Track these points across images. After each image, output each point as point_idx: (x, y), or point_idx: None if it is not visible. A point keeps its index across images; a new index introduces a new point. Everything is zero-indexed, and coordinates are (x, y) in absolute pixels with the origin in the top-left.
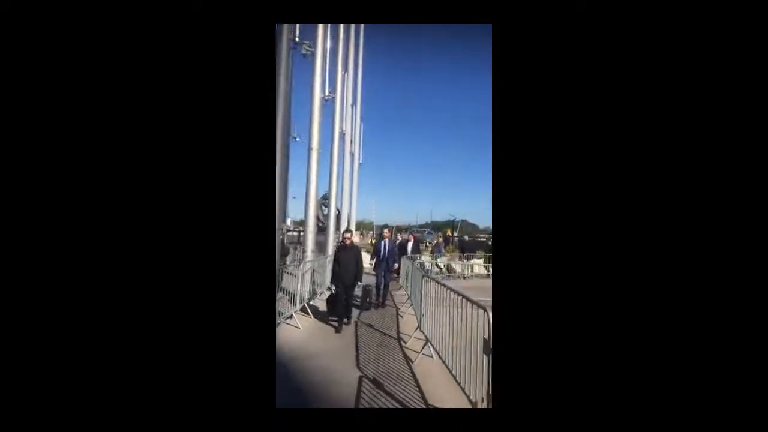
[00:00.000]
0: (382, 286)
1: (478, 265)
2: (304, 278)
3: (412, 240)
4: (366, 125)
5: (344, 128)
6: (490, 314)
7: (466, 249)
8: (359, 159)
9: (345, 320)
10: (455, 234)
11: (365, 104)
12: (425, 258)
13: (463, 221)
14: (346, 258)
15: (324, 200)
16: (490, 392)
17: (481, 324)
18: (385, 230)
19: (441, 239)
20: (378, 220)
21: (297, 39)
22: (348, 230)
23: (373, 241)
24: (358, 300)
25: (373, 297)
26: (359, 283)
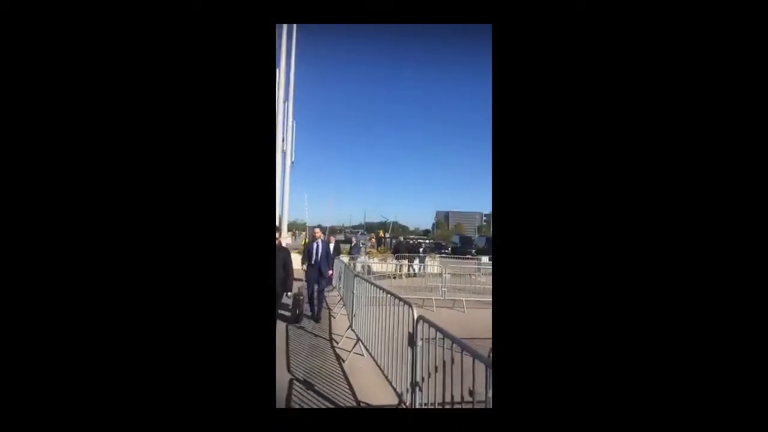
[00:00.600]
0: (315, 298)
1: (407, 265)
2: None
3: (333, 242)
4: (300, 124)
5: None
6: (415, 310)
7: (400, 250)
8: (291, 157)
9: None
10: (387, 235)
11: (298, 103)
12: (343, 258)
13: (394, 222)
14: None
15: None
16: (414, 381)
17: (407, 319)
18: (317, 230)
19: (373, 239)
20: (311, 220)
21: None
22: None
23: (306, 242)
24: (288, 309)
25: (305, 307)
26: (288, 293)
